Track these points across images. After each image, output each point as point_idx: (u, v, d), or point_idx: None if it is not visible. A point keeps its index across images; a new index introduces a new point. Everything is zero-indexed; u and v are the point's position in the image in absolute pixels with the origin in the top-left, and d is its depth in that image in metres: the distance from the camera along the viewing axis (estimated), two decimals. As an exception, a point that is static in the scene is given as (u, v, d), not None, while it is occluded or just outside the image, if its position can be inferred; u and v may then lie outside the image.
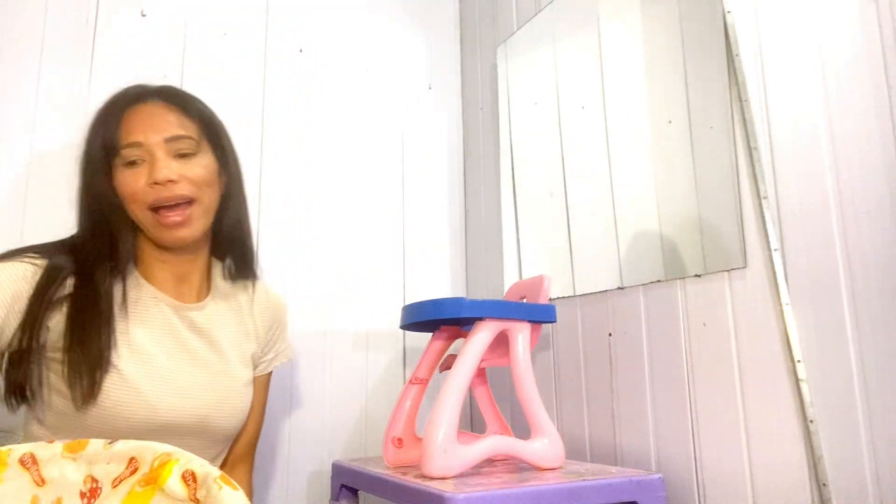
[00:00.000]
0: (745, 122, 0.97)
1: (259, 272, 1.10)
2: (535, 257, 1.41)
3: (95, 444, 0.62)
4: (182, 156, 0.92)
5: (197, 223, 0.93)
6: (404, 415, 1.13)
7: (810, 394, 0.87)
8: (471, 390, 1.19)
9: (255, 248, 1.05)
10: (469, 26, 1.78)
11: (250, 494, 1.09)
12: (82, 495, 0.61)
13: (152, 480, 0.59)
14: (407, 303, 1.14)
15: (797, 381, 0.88)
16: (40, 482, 0.61)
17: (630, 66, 1.21)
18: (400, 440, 1.12)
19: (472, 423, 1.57)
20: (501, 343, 1.08)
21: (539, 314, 1.08)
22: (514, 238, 1.47)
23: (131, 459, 0.61)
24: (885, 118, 0.82)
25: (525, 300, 1.15)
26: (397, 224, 1.63)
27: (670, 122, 1.11)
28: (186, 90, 1.01)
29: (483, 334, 1.02)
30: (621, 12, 1.24)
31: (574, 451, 1.23)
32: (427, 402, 1.13)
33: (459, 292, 1.67)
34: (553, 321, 1.10)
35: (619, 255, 1.19)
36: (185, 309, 0.96)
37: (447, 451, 0.93)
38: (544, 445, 1.02)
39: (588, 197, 1.28)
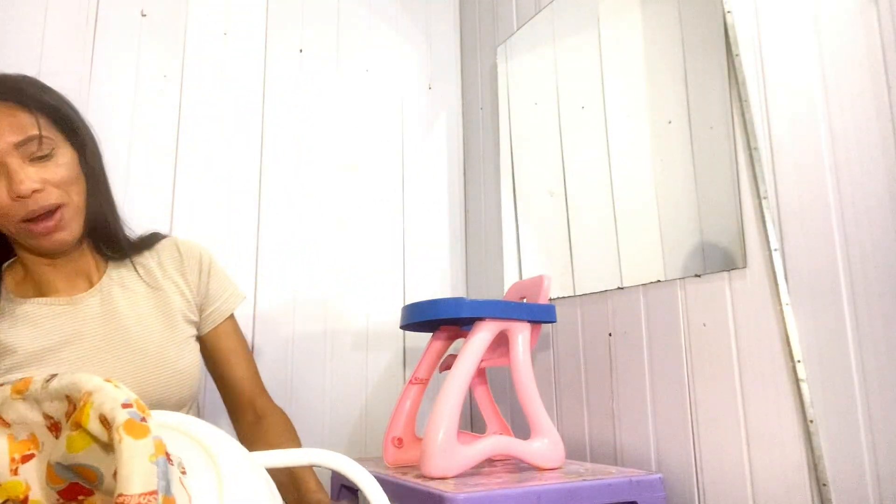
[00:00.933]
0: (745, 122, 0.97)
1: (166, 233, 1.06)
2: (535, 257, 1.41)
3: (36, 383, 0.59)
4: (38, 158, 0.85)
5: (73, 224, 0.89)
6: (404, 415, 1.13)
7: (810, 394, 0.87)
8: (471, 390, 1.19)
9: (120, 226, 0.99)
10: (469, 26, 1.78)
11: (285, 421, 1.04)
12: (49, 429, 0.60)
13: (76, 425, 0.56)
14: (407, 303, 1.14)
15: (797, 381, 0.88)
16: (5, 424, 0.61)
17: (630, 66, 1.21)
18: (400, 440, 1.12)
19: (472, 423, 1.57)
20: (501, 343, 1.08)
21: (539, 314, 1.08)
22: (514, 238, 1.47)
23: (67, 397, 0.59)
24: (885, 118, 0.82)
25: (525, 300, 1.15)
26: (397, 224, 1.63)
27: (670, 122, 1.11)
28: (21, 77, 0.90)
29: (483, 334, 1.02)
30: (621, 12, 1.24)
31: (574, 451, 1.23)
32: (427, 402, 1.13)
33: (459, 292, 1.67)
34: (553, 321, 1.10)
35: (619, 255, 1.19)
36: (80, 301, 0.94)
37: (447, 451, 0.93)
38: (544, 445, 1.02)
39: (588, 197, 1.28)
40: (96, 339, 0.92)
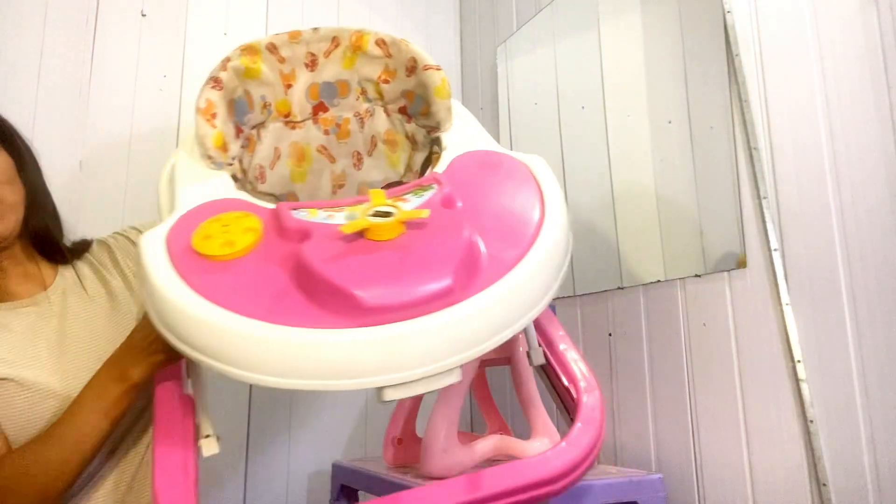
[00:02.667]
0: (745, 123, 0.97)
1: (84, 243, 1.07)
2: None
3: (306, 33, 0.94)
4: None
5: (8, 218, 0.89)
6: (404, 415, 1.13)
7: (810, 394, 0.87)
8: (471, 390, 1.19)
9: (62, 236, 1.01)
10: (469, 26, 1.78)
11: None
12: (305, 65, 0.95)
13: (357, 48, 0.93)
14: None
15: (797, 381, 0.88)
16: (282, 60, 0.94)
17: (630, 66, 1.21)
18: (400, 440, 1.12)
19: (472, 423, 1.57)
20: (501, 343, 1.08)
21: (539, 314, 1.08)
22: (514, 238, 1.47)
23: (334, 38, 0.94)
24: (885, 118, 0.82)
25: (525, 300, 1.15)
26: (397, 224, 1.64)
27: (670, 122, 1.11)
28: None
29: (483, 334, 1.01)
30: (621, 12, 1.24)
31: (574, 451, 1.23)
32: (427, 402, 1.13)
33: (459, 292, 1.66)
34: (553, 321, 1.10)
35: (619, 255, 1.19)
36: (41, 301, 0.95)
37: (447, 451, 0.93)
38: (544, 445, 1.02)
39: (588, 197, 1.28)
40: (66, 336, 0.92)
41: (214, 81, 0.85)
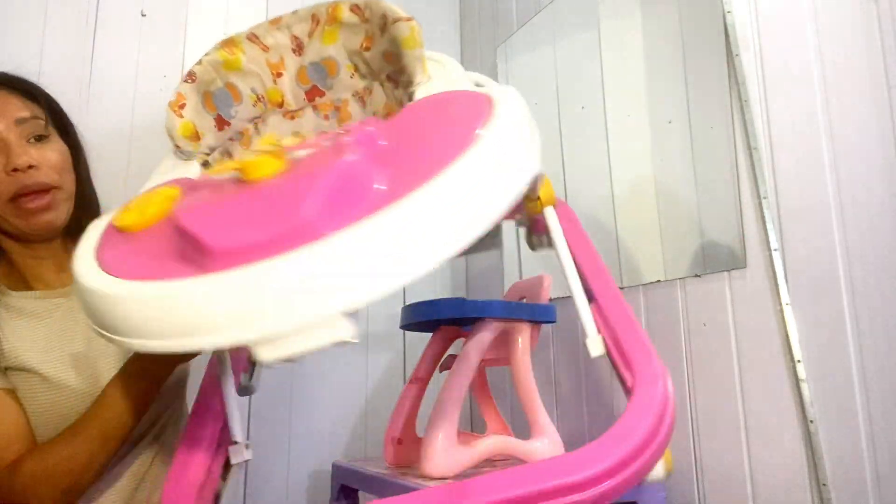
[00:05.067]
0: (745, 122, 0.97)
1: None
2: (535, 257, 1.40)
3: (287, 17, 0.92)
4: (36, 139, 0.88)
5: (62, 207, 0.90)
6: (404, 415, 1.13)
7: (810, 394, 0.87)
8: (471, 390, 1.19)
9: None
10: (469, 26, 1.78)
11: None
12: (293, 51, 0.92)
13: (334, 19, 0.88)
14: (407, 303, 1.15)
15: (797, 381, 0.88)
16: (265, 48, 0.93)
17: (630, 66, 1.21)
18: (400, 440, 1.12)
19: (472, 423, 1.57)
20: (501, 343, 1.08)
21: (539, 314, 1.08)
22: (514, 238, 1.47)
23: (313, 16, 0.90)
24: (885, 118, 0.82)
25: (525, 300, 1.15)
26: (397, 224, 1.63)
27: (670, 122, 1.11)
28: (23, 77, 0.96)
29: (483, 334, 1.02)
30: (621, 12, 1.24)
31: (574, 451, 1.23)
32: (427, 402, 1.12)
33: (459, 292, 1.67)
34: (553, 321, 1.10)
35: (619, 255, 1.19)
36: (72, 294, 0.95)
37: (447, 451, 0.93)
38: (544, 445, 1.02)
39: (588, 197, 1.28)
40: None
41: (188, 75, 0.86)
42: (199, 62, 0.87)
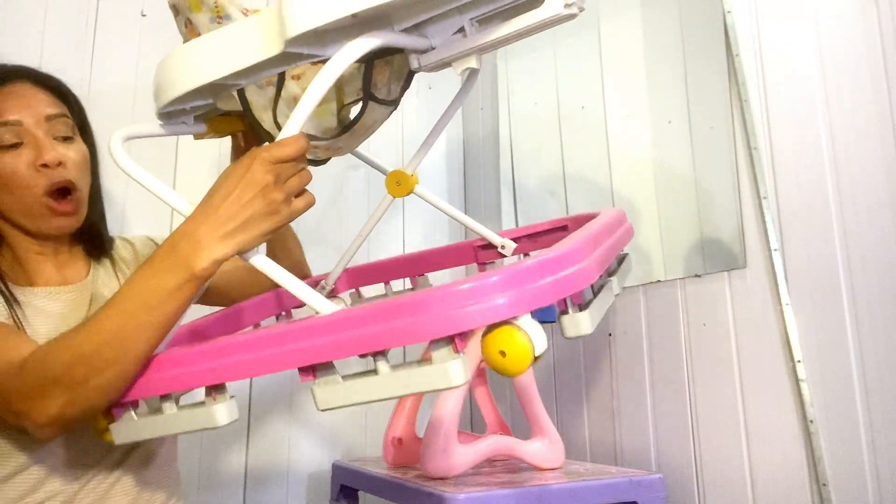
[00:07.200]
0: (745, 122, 0.97)
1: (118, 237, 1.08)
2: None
3: None
4: (62, 139, 0.88)
5: (82, 211, 0.90)
6: (404, 415, 1.13)
7: (810, 394, 0.87)
8: (471, 390, 1.19)
9: (107, 231, 1.02)
10: (469, 26, 1.78)
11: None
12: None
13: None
14: (407, 303, 1.15)
15: (797, 381, 0.88)
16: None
17: (630, 66, 1.21)
18: (400, 440, 1.12)
19: (472, 423, 1.57)
20: (501, 343, 1.08)
21: (539, 314, 1.08)
22: (514, 238, 1.47)
23: None
24: (885, 118, 0.82)
25: (525, 300, 1.15)
26: (397, 223, 1.63)
27: (670, 122, 1.11)
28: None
29: (483, 334, 1.02)
30: (621, 12, 1.24)
31: (574, 451, 1.23)
32: (427, 402, 1.13)
33: (459, 292, 1.66)
34: (553, 321, 1.10)
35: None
36: (81, 288, 0.95)
37: (447, 451, 0.93)
38: (544, 445, 1.02)
39: (588, 197, 1.28)
40: None
41: None
42: None
